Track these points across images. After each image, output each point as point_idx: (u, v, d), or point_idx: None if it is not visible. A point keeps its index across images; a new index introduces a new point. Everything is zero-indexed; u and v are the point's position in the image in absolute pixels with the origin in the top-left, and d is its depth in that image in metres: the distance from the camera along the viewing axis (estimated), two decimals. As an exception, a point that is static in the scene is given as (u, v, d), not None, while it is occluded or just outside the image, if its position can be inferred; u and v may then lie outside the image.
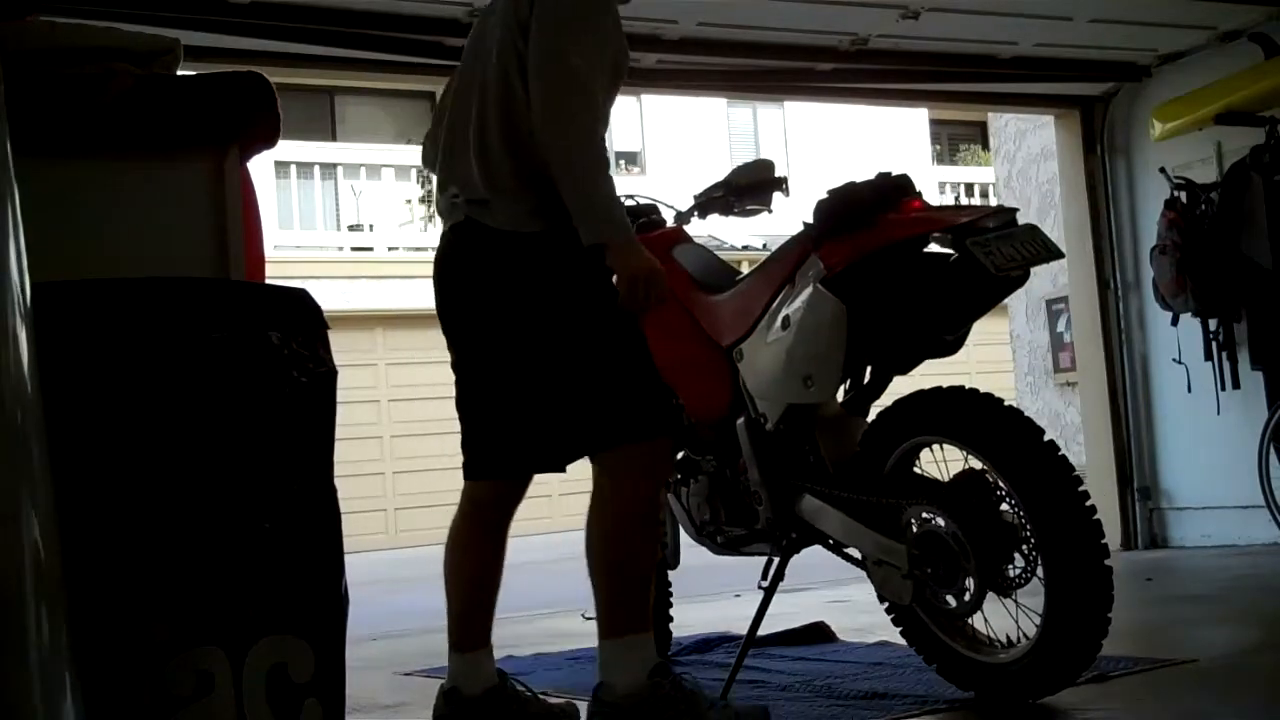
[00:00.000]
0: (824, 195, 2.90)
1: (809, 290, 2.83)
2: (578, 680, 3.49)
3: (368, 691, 3.48)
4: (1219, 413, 5.81)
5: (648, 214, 3.61)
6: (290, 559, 1.61)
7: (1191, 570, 5.49)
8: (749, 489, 3.11)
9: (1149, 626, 3.87)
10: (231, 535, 1.57)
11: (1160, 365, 6.30)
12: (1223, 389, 5.80)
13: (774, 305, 2.95)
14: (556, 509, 14.18)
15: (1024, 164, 8.67)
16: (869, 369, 3.02)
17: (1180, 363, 5.97)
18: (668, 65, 5.61)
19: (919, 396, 2.83)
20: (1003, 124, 9.06)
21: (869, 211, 2.78)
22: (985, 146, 15.86)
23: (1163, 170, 5.93)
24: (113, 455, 1.54)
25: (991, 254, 2.60)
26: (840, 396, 3.06)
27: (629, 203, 3.66)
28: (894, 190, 2.81)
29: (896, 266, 2.77)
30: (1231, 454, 5.71)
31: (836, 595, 4.94)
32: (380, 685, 3.67)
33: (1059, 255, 2.79)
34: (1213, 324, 5.81)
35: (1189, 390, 5.96)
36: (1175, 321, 5.91)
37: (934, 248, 2.82)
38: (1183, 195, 5.82)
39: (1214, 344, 5.81)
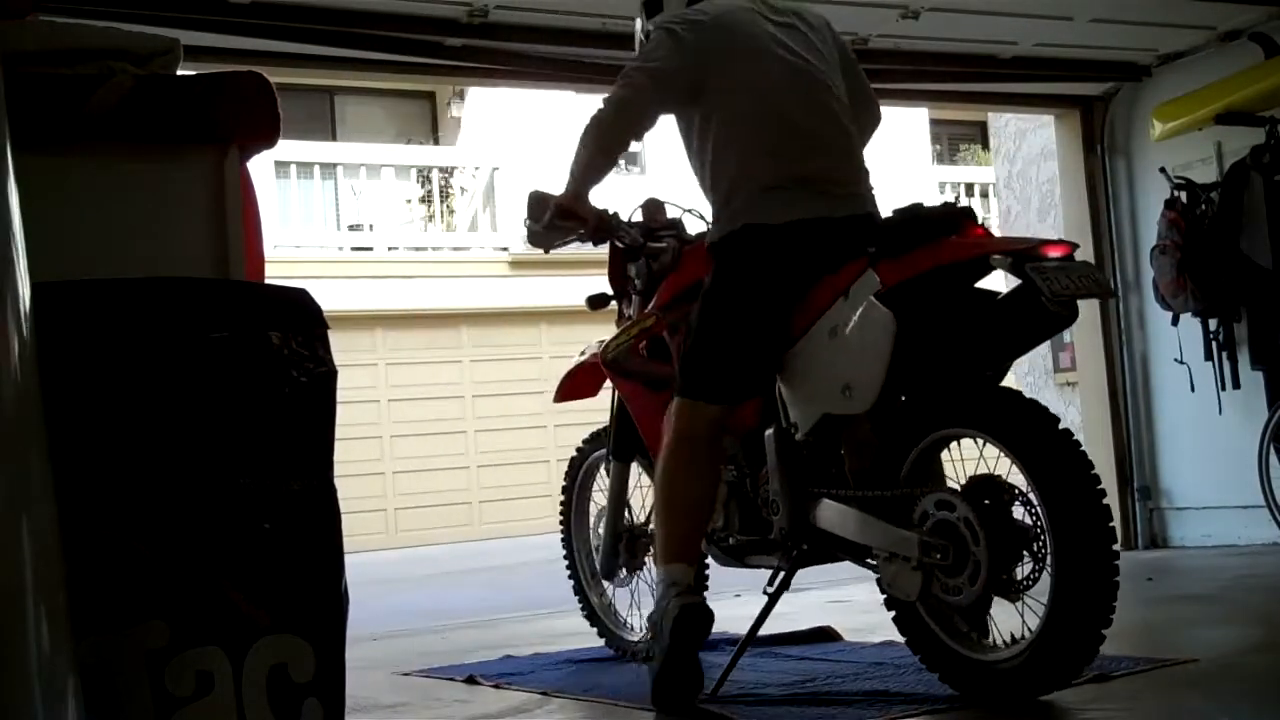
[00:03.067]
0: (889, 214, 2.96)
1: (861, 303, 2.84)
2: (577, 681, 3.49)
3: (368, 691, 3.48)
4: (1219, 413, 5.81)
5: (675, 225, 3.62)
6: (290, 559, 1.61)
7: (1191, 570, 5.49)
8: (767, 498, 3.12)
9: (1149, 626, 3.87)
10: (231, 535, 1.57)
11: (1160, 365, 6.30)
12: (1223, 389, 5.81)
13: (822, 318, 2.95)
14: (556, 509, 14.22)
15: (1024, 164, 8.68)
16: (903, 399, 3.01)
17: (1181, 362, 5.97)
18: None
19: (943, 390, 2.84)
20: (1003, 124, 9.08)
21: (932, 233, 2.81)
22: (985, 146, 15.85)
23: (1163, 170, 5.93)
24: (112, 455, 1.54)
25: (1049, 280, 2.63)
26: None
27: (679, 213, 3.65)
28: (958, 216, 2.87)
29: (949, 294, 2.81)
30: (1231, 454, 5.72)
31: (837, 595, 4.94)
32: (380, 685, 3.67)
33: (1111, 294, 2.87)
34: (1213, 324, 5.81)
35: (1190, 390, 5.97)
36: (1175, 321, 5.91)
37: (987, 283, 2.87)
38: (1183, 195, 5.83)
39: (1214, 344, 5.81)
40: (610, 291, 3.75)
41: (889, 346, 2.77)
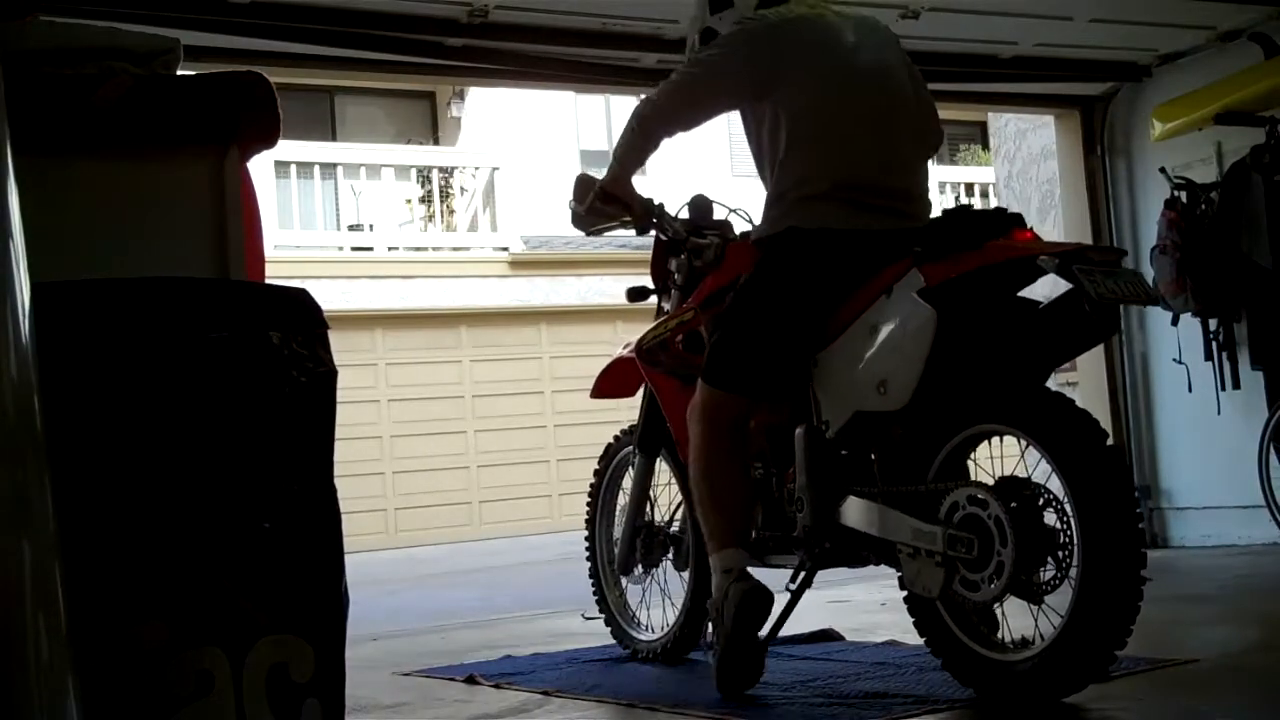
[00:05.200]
0: (938, 215, 2.96)
1: (903, 299, 2.83)
2: (577, 681, 3.49)
3: (368, 691, 3.48)
4: (1219, 413, 5.81)
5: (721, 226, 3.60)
6: (290, 559, 1.61)
7: (1191, 570, 5.48)
8: (793, 495, 3.11)
9: (1149, 626, 3.84)
10: (231, 535, 1.57)
11: (1160, 365, 6.30)
12: (1223, 389, 5.80)
13: (863, 315, 2.94)
14: (556, 509, 14.20)
15: (1024, 164, 8.67)
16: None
17: (1180, 362, 5.97)
18: (668, 65, 5.59)
19: (976, 387, 2.83)
20: (1003, 124, 9.07)
21: (979, 235, 2.80)
22: (985, 146, 15.84)
23: (1163, 170, 5.93)
24: (112, 455, 1.54)
25: (1095, 283, 2.62)
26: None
27: (726, 213, 3.65)
28: (1006, 219, 2.86)
29: (992, 300, 2.80)
30: (1231, 454, 5.72)
31: (837, 595, 4.94)
32: (380, 685, 3.67)
33: (1156, 301, 2.86)
34: (1213, 324, 5.81)
35: (1189, 390, 5.97)
36: (1175, 321, 5.90)
37: (1028, 291, 2.87)
38: (1183, 195, 5.82)
39: (1214, 344, 5.81)
40: (651, 285, 3.72)
41: (929, 343, 2.75)
